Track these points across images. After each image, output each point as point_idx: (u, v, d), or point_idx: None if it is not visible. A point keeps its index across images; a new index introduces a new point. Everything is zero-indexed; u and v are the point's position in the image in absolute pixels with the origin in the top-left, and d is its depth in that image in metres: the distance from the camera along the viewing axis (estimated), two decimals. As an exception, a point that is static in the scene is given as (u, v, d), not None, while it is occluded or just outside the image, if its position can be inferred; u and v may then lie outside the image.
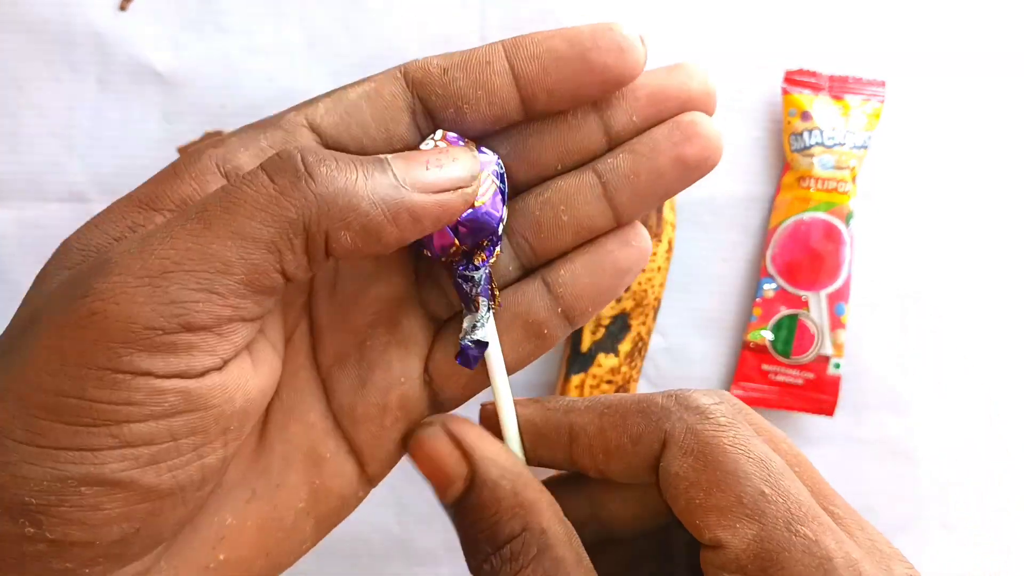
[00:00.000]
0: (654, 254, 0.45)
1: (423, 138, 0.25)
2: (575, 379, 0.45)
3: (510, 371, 0.27)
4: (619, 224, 0.26)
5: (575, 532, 0.23)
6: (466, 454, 0.23)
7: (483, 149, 0.25)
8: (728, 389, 0.47)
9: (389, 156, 0.22)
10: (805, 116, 0.46)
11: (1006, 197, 0.48)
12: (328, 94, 0.24)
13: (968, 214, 0.48)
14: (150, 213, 0.22)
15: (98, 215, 0.23)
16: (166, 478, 0.21)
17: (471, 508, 0.23)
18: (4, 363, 0.20)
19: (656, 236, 0.45)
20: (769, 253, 0.47)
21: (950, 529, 0.48)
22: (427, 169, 0.22)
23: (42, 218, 0.46)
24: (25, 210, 0.46)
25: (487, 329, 0.25)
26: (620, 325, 0.45)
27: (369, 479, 0.27)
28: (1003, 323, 0.48)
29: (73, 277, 0.20)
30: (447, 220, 0.22)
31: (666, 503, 0.23)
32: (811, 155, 0.46)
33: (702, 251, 0.48)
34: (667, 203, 0.46)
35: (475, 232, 0.24)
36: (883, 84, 0.47)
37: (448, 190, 0.22)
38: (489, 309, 0.25)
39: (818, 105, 0.47)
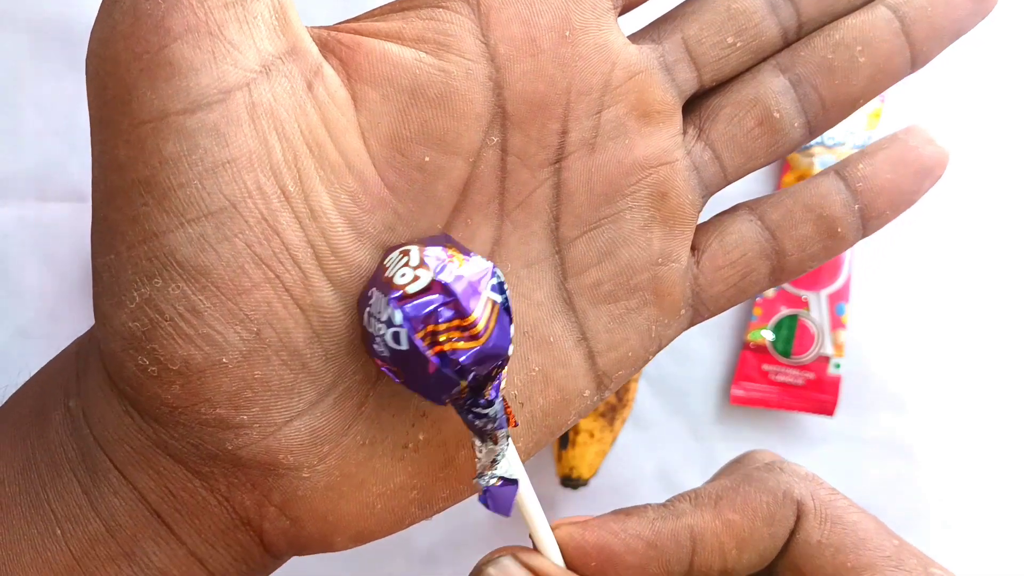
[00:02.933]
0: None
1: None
2: (575, 379, 0.45)
3: (795, 274, 0.25)
4: (915, 66, 0.24)
5: None
6: None
7: (471, 254, 0.20)
8: (728, 389, 0.47)
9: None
10: (805, 116, 0.46)
11: (1006, 197, 0.48)
12: None
13: (968, 214, 0.48)
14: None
15: None
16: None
17: None
18: None
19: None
20: (769, 253, 0.47)
21: (950, 528, 0.48)
22: None
23: (43, 217, 0.46)
24: (26, 209, 0.46)
25: (510, 460, 0.21)
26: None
27: (599, 379, 0.24)
28: (1003, 323, 0.48)
29: None
30: None
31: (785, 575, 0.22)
32: (811, 155, 0.46)
33: (702, 251, 0.48)
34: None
35: (483, 368, 0.20)
36: (883, 84, 0.47)
37: None
38: (508, 437, 0.21)
39: (818, 105, 0.47)
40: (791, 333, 0.47)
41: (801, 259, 0.25)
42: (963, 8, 0.24)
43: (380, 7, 0.24)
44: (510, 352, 0.20)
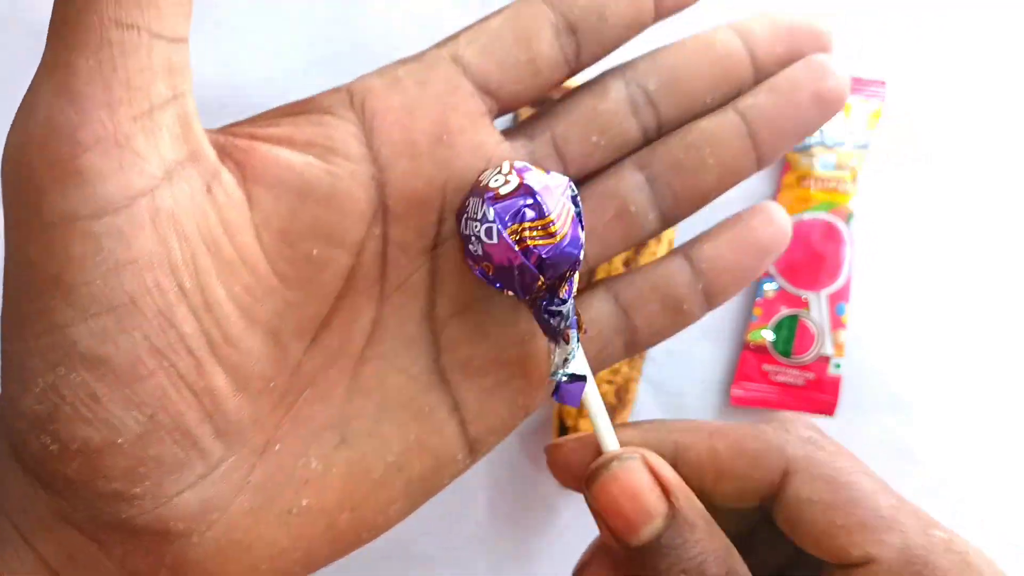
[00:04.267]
0: (653, 253, 0.45)
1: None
2: (575, 379, 0.45)
3: (645, 347, 0.27)
4: (760, 165, 0.26)
5: None
6: (667, 491, 0.23)
7: (551, 172, 0.24)
8: (728, 389, 0.47)
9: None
10: (805, 116, 0.46)
11: (1007, 197, 0.48)
12: (467, 28, 0.26)
13: (969, 214, 0.48)
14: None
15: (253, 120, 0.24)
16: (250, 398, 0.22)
17: (669, 548, 0.22)
18: None
19: (656, 236, 0.45)
20: (769, 253, 0.47)
21: (950, 528, 0.48)
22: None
23: (42, 218, 0.46)
24: (25, 210, 0.46)
25: (579, 361, 0.24)
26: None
27: (471, 444, 0.26)
28: (1004, 323, 0.48)
29: None
30: None
31: (783, 528, 0.23)
32: (811, 155, 0.46)
33: (702, 251, 0.48)
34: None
35: (558, 267, 0.23)
36: (883, 84, 0.47)
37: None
38: (578, 340, 0.24)
39: (818, 105, 0.47)
40: (791, 333, 0.47)
41: (650, 334, 0.27)
42: (807, 113, 0.26)
43: (274, 110, 0.26)
44: (581, 257, 0.23)
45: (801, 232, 0.46)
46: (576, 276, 0.24)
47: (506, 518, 0.47)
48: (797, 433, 0.24)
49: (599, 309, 0.27)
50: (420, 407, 0.25)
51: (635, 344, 0.27)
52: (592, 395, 0.24)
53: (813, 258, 0.46)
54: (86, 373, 0.19)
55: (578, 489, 0.27)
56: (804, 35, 0.26)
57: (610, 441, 0.24)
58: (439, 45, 0.25)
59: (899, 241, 0.48)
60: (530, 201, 0.23)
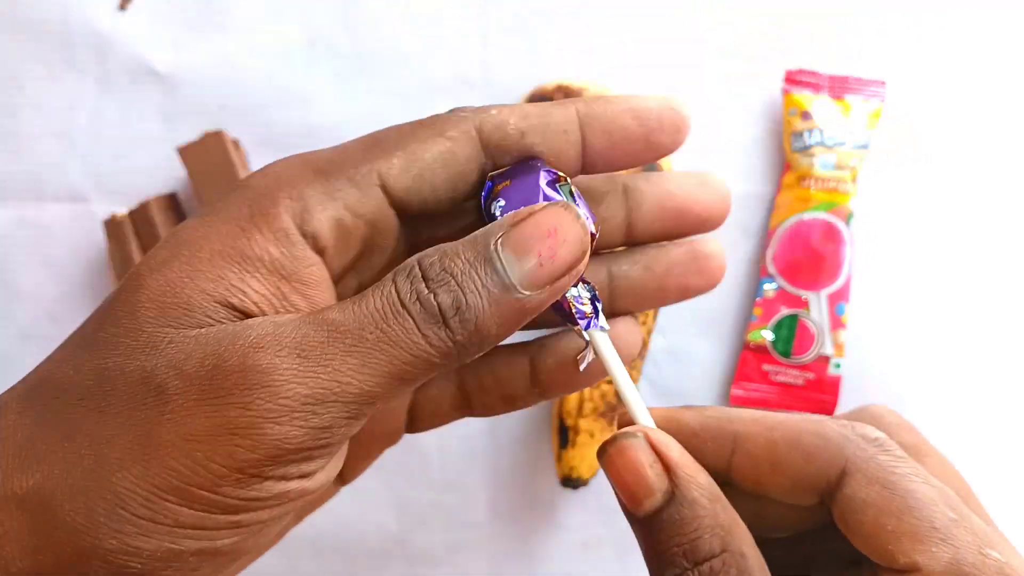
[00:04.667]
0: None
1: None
2: (575, 379, 0.45)
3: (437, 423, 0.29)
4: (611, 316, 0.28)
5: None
6: (668, 468, 0.23)
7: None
8: (728, 389, 0.47)
9: (499, 246, 0.22)
10: (805, 116, 0.46)
11: (1006, 196, 0.48)
12: (398, 143, 0.24)
13: (968, 213, 0.48)
14: (243, 274, 0.22)
15: (180, 257, 0.22)
16: (256, 542, 0.23)
17: (668, 522, 0.23)
18: (106, 406, 0.20)
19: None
20: (769, 253, 0.47)
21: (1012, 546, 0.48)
22: (540, 266, 0.22)
23: (42, 218, 0.46)
24: (25, 210, 0.46)
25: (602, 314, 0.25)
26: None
27: (343, 478, 0.29)
28: (1003, 322, 0.48)
29: (217, 371, 0.20)
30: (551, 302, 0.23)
31: (839, 526, 0.23)
32: (811, 155, 0.46)
33: (702, 251, 0.48)
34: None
35: None
36: (883, 84, 0.47)
37: (562, 275, 0.22)
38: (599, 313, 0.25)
39: (818, 105, 0.47)
40: (791, 333, 0.47)
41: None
42: (671, 296, 0.29)
43: None
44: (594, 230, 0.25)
45: (801, 232, 0.46)
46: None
47: (506, 518, 0.47)
48: (862, 432, 0.24)
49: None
50: None
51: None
52: (621, 375, 0.25)
53: (813, 258, 0.46)
54: None
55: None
56: (697, 213, 0.27)
57: (641, 415, 0.25)
58: (370, 155, 0.24)
59: (899, 241, 0.48)
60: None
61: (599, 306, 0.25)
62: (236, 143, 0.46)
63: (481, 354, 0.22)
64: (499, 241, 0.22)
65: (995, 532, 0.23)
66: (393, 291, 0.21)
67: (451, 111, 0.25)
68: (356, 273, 0.25)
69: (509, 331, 0.22)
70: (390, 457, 0.48)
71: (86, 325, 0.22)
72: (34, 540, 0.19)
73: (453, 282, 0.21)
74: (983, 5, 0.48)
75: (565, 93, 0.45)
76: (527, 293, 0.22)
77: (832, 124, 0.46)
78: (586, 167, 0.26)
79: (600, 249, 0.28)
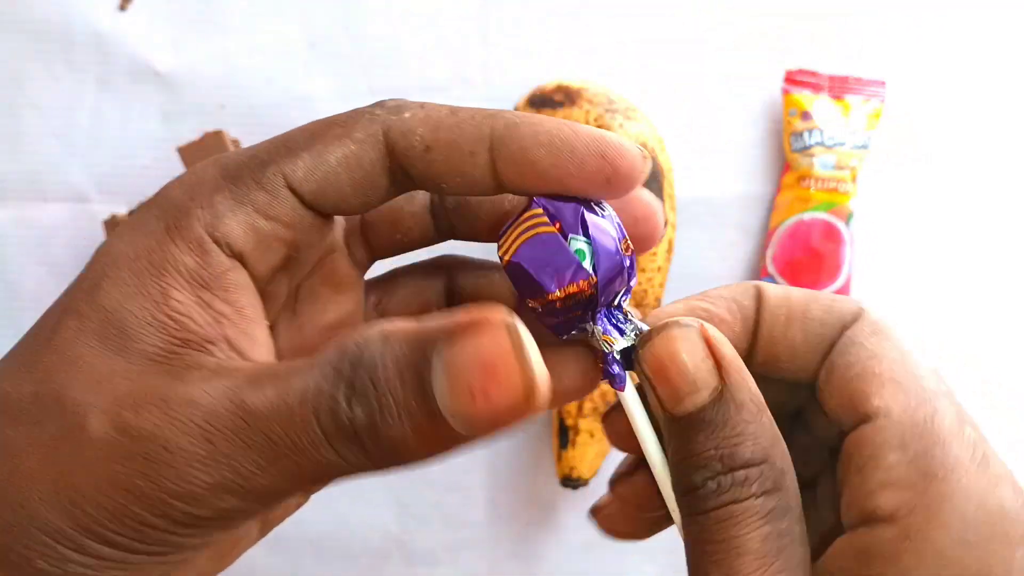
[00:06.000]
0: (654, 254, 0.45)
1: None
2: (575, 379, 0.45)
3: None
4: None
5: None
6: (721, 366, 0.22)
7: (601, 206, 0.23)
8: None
9: (436, 360, 0.18)
10: (805, 116, 0.46)
11: (1006, 196, 0.48)
12: (305, 143, 0.23)
13: (968, 213, 0.48)
14: (164, 286, 0.21)
15: (107, 278, 0.21)
16: (199, 565, 0.23)
17: (709, 423, 0.22)
18: (38, 417, 0.20)
19: (631, 270, 0.45)
20: (769, 253, 0.47)
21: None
22: (473, 403, 0.18)
23: (42, 218, 0.46)
24: (25, 210, 0.46)
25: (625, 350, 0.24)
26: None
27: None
28: (1003, 322, 0.48)
29: (131, 434, 0.19)
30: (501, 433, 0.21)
31: (819, 391, 0.23)
32: (811, 155, 0.46)
33: (702, 251, 0.48)
34: (667, 203, 0.46)
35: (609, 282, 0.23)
36: (883, 84, 0.47)
37: (503, 418, 0.19)
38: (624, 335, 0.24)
39: (818, 105, 0.47)
40: (791, 333, 0.47)
41: None
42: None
43: None
44: (628, 265, 0.24)
45: (801, 232, 0.46)
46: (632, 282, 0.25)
47: (506, 518, 0.47)
48: (871, 322, 0.23)
49: None
50: None
51: None
52: (647, 433, 0.24)
53: (813, 258, 0.46)
54: None
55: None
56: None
57: (651, 445, 0.24)
58: (276, 157, 0.23)
59: (899, 241, 0.48)
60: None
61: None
62: (236, 143, 0.46)
63: (408, 466, 0.20)
64: (437, 354, 0.18)
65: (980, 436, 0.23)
66: (311, 387, 0.19)
67: (373, 105, 0.24)
68: (289, 273, 0.25)
69: (439, 454, 0.20)
70: (390, 457, 0.48)
71: (29, 340, 0.22)
72: None
73: (373, 396, 0.19)
74: (983, 5, 0.48)
75: (565, 93, 0.45)
76: (459, 429, 0.19)
77: (832, 124, 0.46)
78: (501, 187, 0.23)
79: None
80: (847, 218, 0.46)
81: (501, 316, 0.19)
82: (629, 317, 0.24)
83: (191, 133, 0.46)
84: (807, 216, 0.46)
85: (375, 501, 0.47)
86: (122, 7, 0.47)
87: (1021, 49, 0.48)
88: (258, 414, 0.19)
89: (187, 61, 0.47)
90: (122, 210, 0.46)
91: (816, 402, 0.25)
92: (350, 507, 0.47)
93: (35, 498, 0.20)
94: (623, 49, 0.48)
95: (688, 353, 0.22)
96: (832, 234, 0.46)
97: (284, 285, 0.25)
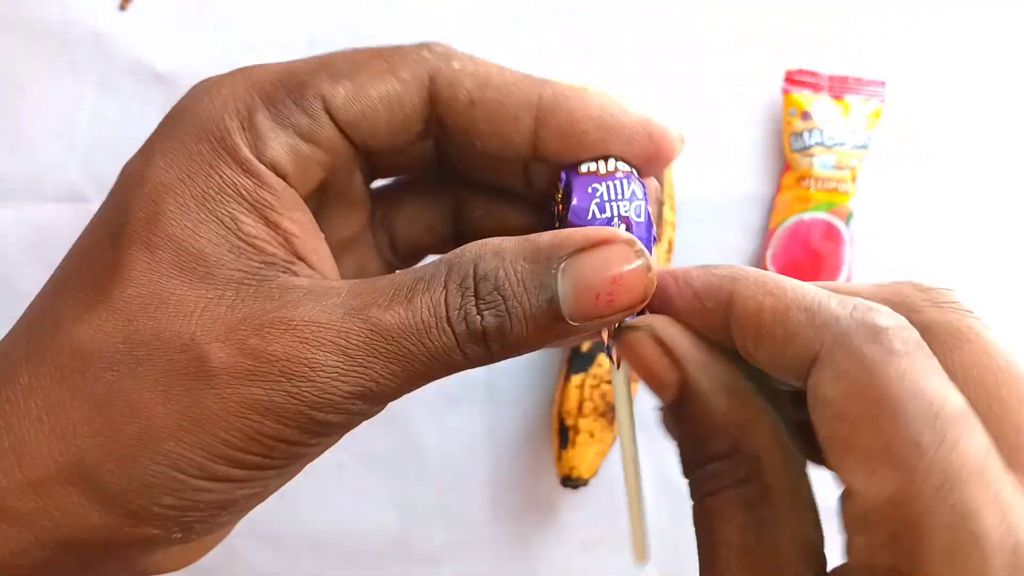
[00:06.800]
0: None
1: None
2: (575, 379, 0.45)
3: None
4: None
5: (801, 459, 0.21)
6: (676, 362, 0.22)
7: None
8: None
9: (560, 271, 0.21)
10: (805, 116, 0.46)
11: (1006, 196, 0.48)
12: (349, 70, 0.23)
13: (968, 213, 0.48)
14: (232, 211, 0.22)
15: (170, 207, 0.21)
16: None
17: (683, 417, 0.22)
18: (143, 366, 0.20)
19: (656, 236, 0.45)
20: (769, 253, 0.47)
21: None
22: (595, 306, 0.21)
23: (42, 218, 0.46)
24: (25, 210, 0.46)
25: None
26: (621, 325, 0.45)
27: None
28: (1003, 322, 0.48)
29: (263, 355, 0.20)
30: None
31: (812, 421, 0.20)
32: (811, 155, 0.46)
33: (702, 251, 0.48)
34: (667, 203, 0.46)
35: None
36: (883, 84, 0.47)
37: (614, 316, 0.22)
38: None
39: (818, 105, 0.47)
40: (791, 333, 0.47)
41: None
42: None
43: None
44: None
45: (801, 232, 0.46)
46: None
47: (506, 518, 0.47)
48: (865, 317, 0.19)
49: None
50: None
51: None
52: (623, 402, 0.25)
53: (813, 258, 0.46)
54: None
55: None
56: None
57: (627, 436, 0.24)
58: (317, 77, 0.23)
59: (899, 241, 0.48)
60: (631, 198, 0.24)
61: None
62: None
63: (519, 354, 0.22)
64: (561, 268, 0.21)
65: (992, 467, 0.17)
66: (443, 303, 0.21)
67: (420, 45, 0.24)
68: (323, 195, 0.25)
69: (549, 344, 0.22)
70: (390, 457, 0.48)
71: (88, 279, 0.21)
72: (88, 511, 0.20)
73: (503, 306, 0.21)
74: (983, 5, 0.48)
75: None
76: (575, 324, 0.21)
77: (832, 124, 0.46)
78: (538, 155, 0.24)
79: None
80: (847, 218, 0.46)
81: (625, 234, 0.22)
82: None
83: (191, 133, 0.46)
84: (807, 216, 0.46)
85: (375, 501, 0.47)
86: (122, 7, 0.47)
87: (1021, 49, 0.48)
88: (394, 331, 0.21)
89: (187, 61, 0.47)
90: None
91: None
92: (350, 507, 0.47)
93: (161, 436, 0.20)
94: (623, 49, 0.48)
95: (644, 355, 0.22)
96: (832, 234, 0.46)
97: (315, 203, 0.25)
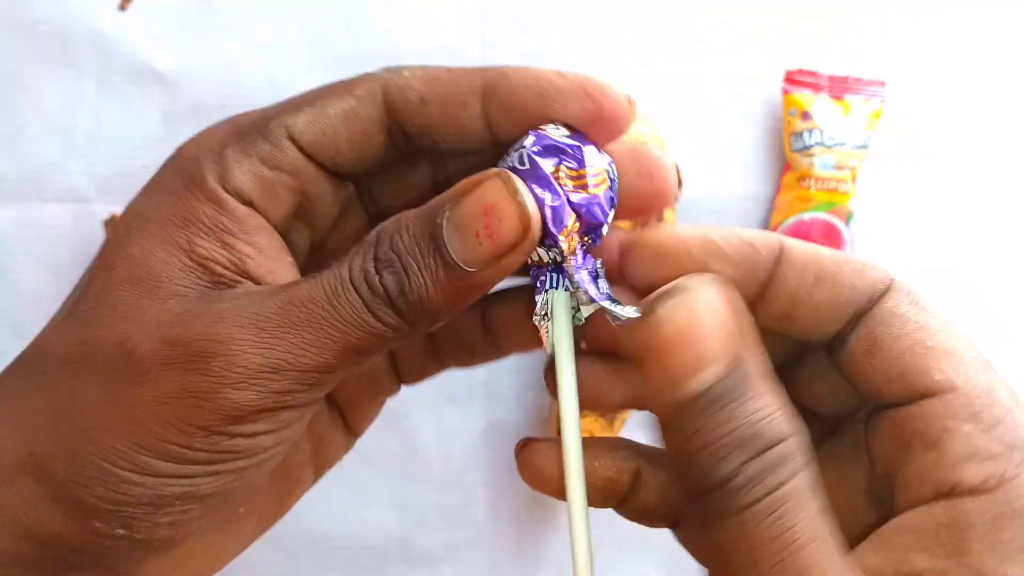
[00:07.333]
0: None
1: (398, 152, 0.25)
2: (575, 379, 0.45)
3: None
4: None
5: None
6: (739, 335, 0.20)
7: (600, 151, 0.24)
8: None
9: (444, 221, 0.21)
10: (805, 116, 0.46)
11: (1006, 196, 0.48)
12: (311, 100, 0.25)
13: (968, 213, 0.48)
14: (189, 235, 0.23)
15: (136, 231, 0.23)
16: (247, 481, 0.23)
17: (726, 401, 0.19)
18: (98, 375, 0.22)
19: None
20: (769, 253, 0.47)
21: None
22: (479, 244, 0.21)
23: (42, 218, 0.46)
24: (25, 210, 0.46)
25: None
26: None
27: (354, 431, 0.30)
28: (1003, 322, 0.48)
29: (180, 340, 0.21)
30: (504, 278, 0.23)
31: (843, 358, 0.22)
32: (811, 155, 0.46)
33: (702, 251, 0.48)
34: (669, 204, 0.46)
35: (585, 218, 0.23)
36: (883, 84, 0.47)
37: (506, 253, 0.22)
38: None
39: (818, 105, 0.47)
40: (791, 333, 0.47)
41: None
42: None
43: None
44: (604, 231, 0.23)
45: (801, 232, 0.46)
46: (589, 245, 0.24)
47: (506, 517, 0.47)
48: (901, 287, 0.23)
49: None
50: (315, 420, 0.28)
51: None
52: (564, 354, 0.25)
53: (813, 258, 0.46)
54: None
55: (549, 492, 0.27)
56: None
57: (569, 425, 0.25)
58: (282, 111, 0.25)
59: (899, 241, 0.48)
60: (571, 149, 0.23)
61: (578, 271, 0.23)
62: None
63: (441, 324, 0.23)
64: (445, 216, 0.21)
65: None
66: (346, 270, 0.22)
67: (380, 70, 0.25)
68: (306, 223, 0.26)
69: (462, 304, 0.22)
70: (390, 457, 0.48)
71: (67, 302, 0.24)
72: (42, 499, 0.21)
73: (398, 262, 0.22)
74: (983, 5, 0.48)
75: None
76: (472, 270, 0.21)
77: (832, 124, 0.46)
78: (496, 139, 0.24)
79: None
80: (847, 218, 0.46)
81: (494, 170, 0.22)
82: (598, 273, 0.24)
83: (191, 133, 0.46)
84: (807, 216, 0.46)
85: (375, 501, 0.47)
86: (122, 7, 0.47)
87: (1021, 49, 0.48)
88: (304, 298, 0.21)
89: (187, 61, 0.47)
90: (122, 210, 0.46)
91: (819, 367, 0.24)
92: (350, 507, 0.47)
93: (97, 428, 0.21)
94: (623, 49, 0.48)
95: (709, 322, 0.19)
96: (832, 234, 0.46)
97: (305, 236, 0.26)
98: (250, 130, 0.24)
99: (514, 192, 0.21)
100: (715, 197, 0.48)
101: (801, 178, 0.46)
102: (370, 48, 0.48)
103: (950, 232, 0.48)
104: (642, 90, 0.47)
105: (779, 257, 0.23)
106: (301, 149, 0.24)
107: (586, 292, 0.23)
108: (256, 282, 0.23)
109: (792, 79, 0.47)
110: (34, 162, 0.47)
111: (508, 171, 0.22)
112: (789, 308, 0.23)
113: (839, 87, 0.47)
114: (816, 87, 0.47)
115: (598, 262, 0.25)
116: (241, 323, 0.21)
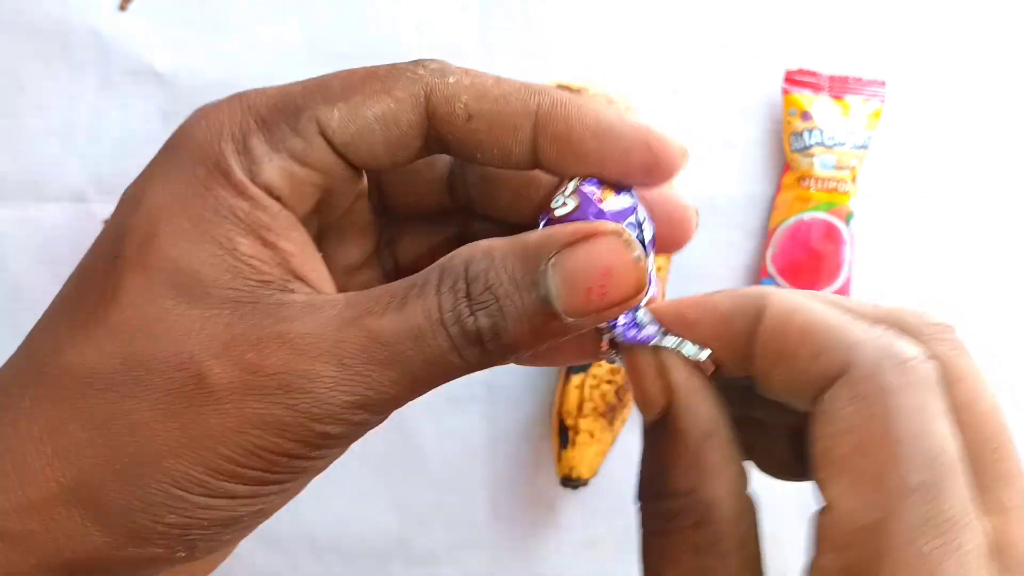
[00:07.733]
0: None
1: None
2: (575, 379, 0.45)
3: None
4: None
5: (754, 512, 0.21)
6: (667, 387, 0.22)
7: (623, 191, 0.23)
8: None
9: (550, 267, 0.21)
10: (805, 116, 0.46)
11: (1006, 196, 0.48)
12: (343, 92, 0.23)
13: (968, 213, 0.48)
14: (227, 232, 0.21)
15: (166, 229, 0.21)
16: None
17: (655, 440, 0.22)
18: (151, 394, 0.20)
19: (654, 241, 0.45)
20: (769, 253, 0.47)
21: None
22: (588, 300, 0.21)
23: (42, 218, 0.46)
24: (25, 210, 0.46)
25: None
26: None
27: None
28: (1003, 322, 0.48)
29: (259, 369, 0.20)
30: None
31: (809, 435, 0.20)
32: (811, 155, 0.46)
33: (702, 251, 0.48)
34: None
35: None
36: (883, 84, 0.47)
37: (608, 310, 0.21)
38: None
39: (818, 105, 0.47)
40: (791, 333, 0.47)
41: None
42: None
43: None
44: (649, 290, 0.22)
45: (801, 232, 0.46)
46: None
47: (506, 518, 0.47)
48: (890, 345, 0.20)
49: None
50: None
51: None
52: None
53: (813, 258, 0.46)
54: None
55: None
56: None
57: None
58: (311, 102, 0.23)
59: (899, 241, 0.48)
60: (635, 223, 0.23)
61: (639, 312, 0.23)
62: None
63: (518, 357, 0.22)
64: (551, 263, 0.21)
65: (965, 515, 0.18)
66: (436, 307, 0.21)
67: (414, 63, 0.23)
68: (321, 214, 0.25)
69: (545, 344, 0.22)
70: (390, 457, 0.48)
71: (81, 302, 0.22)
72: (90, 532, 0.20)
73: (495, 305, 0.21)
74: (983, 5, 0.48)
75: (565, 93, 0.45)
76: (569, 320, 0.21)
77: (832, 124, 0.46)
78: (539, 165, 0.23)
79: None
80: (847, 218, 0.46)
81: (610, 225, 0.21)
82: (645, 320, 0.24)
83: (191, 133, 0.46)
84: (807, 216, 0.46)
85: (375, 501, 0.47)
86: (122, 7, 0.47)
87: (1021, 49, 0.48)
88: (389, 337, 0.21)
89: (187, 61, 0.47)
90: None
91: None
92: (350, 507, 0.47)
93: (161, 455, 0.20)
94: (623, 49, 0.48)
95: (641, 370, 0.22)
96: (832, 234, 0.46)
97: (314, 226, 0.25)
98: (276, 119, 0.23)
99: (637, 259, 0.21)
100: (715, 197, 0.48)
101: (801, 178, 0.46)
102: (369, 47, 0.48)
103: (949, 232, 0.48)
104: (642, 90, 0.47)
105: (759, 322, 0.22)
106: (334, 148, 0.23)
107: (651, 340, 0.23)
108: (303, 282, 0.22)
109: (792, 79, 0.47)
110: (34, 162, 0.47)
111: (623, 228, 0.21)
112: (763, 381, 0.22)
113: (839, 87, 0.47)
114: (816, 87, 0.47)
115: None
116: (323, 357, 0.20)
